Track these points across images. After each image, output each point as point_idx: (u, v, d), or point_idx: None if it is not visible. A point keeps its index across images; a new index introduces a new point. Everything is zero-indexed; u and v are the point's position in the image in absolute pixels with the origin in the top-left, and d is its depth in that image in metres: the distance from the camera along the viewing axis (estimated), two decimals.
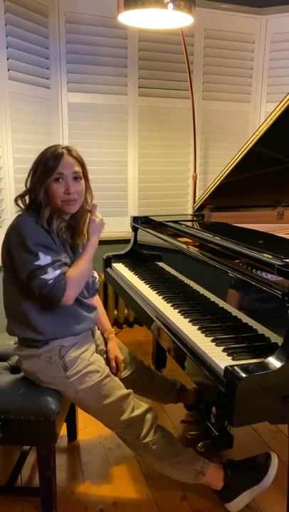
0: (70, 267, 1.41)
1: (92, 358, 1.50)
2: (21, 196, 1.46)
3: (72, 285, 1.36)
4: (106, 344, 1.72)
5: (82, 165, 1.46)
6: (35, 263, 1.32)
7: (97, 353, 1.58)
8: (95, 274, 1.68)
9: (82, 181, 1.45)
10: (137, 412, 1.49)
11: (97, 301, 1.73)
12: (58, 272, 1.34)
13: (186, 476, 1.53)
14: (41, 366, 1.45)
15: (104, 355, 1.67)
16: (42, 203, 1.40)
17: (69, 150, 1.43)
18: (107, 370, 1.52)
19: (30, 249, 1.33)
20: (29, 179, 1.43)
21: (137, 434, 1.48)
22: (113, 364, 1.67)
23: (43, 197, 1.40)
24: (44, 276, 1.32)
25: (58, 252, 1.38)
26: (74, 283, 1.37)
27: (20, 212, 1.45)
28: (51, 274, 1.33)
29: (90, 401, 1.48)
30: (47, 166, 1.39)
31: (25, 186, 1.45)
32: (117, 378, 1.55)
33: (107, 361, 1.66)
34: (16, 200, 1.46)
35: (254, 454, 1.65)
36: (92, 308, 1.58)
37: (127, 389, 1.53)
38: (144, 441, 1.48)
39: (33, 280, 1.33)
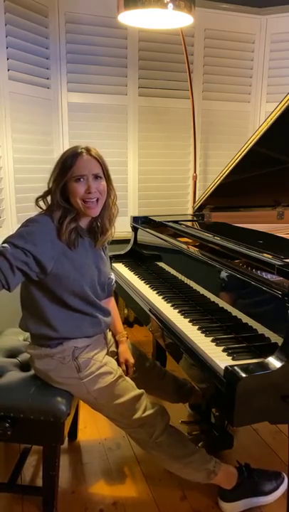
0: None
1: (104, 360, 1.50)
2: (42, 197, 1.44)
3: None
4: (117, 346, 1.71)
5: (102, 164, 1.44)
6: (10, 239, 1.30)
7: (107, 354, 1.58)
8: (112, 276, 1.67)
9: (104, 181, 1.44)
10: (149, 412, 1.49)
11: (113, 305, 1.73)
12: (11, 251, 1.27)
13: (199, 476, 1.53)
14: (54, 366, 1.45)
15: (115, 357, 1.66)
16: (55, 203, 1.39)
17: (88, 150, 1.41)
18: (119, 371, 1.53)
19: (19, 233, 1.31)
20: (50, 179, 1.42)
21: (149, 434, 1.48)
22: (123, 368, 1.66)
23: (59, 197, 1.39)
24: (4, 245, 1.29)
25: (25, 253, 1.30)
26: None
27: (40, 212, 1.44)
28: (6, 251, 1.27)
29: (102, 401, 1.48)
30: (65, 166, 1.38)
31: (48, 186, 1.43)
32: (129, 379, 1.55)
33: (118, 364, 1.65)
34: (36, 201, 1.44)
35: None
36: (107, 313, 1.58)
37: (138, 388, 1.53)
38: (156, 441, 1.48)
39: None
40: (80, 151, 1.40)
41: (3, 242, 1.31)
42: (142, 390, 1.53)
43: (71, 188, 1.39)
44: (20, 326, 1.50)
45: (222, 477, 1.54)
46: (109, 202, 1.50)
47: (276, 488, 1.61)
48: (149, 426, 1.49)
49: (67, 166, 1.38)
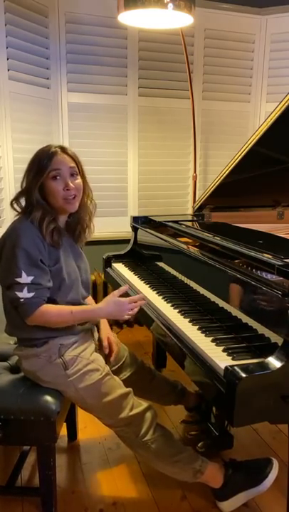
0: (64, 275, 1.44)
1: (91, 357, 1.50)
2: (16, 199, 1.46)
3: (41, 318, 1.39)
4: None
5: (77, 162, 1.47)
6: (15, 279, 1.35)
7: (96, 352, 1.58)
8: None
9: (79, 177, 1.47)
10: (136, 411, 1.49)
11: (90, 299, 1.71)
12: (31, 294, 1.36)
13: (185, 475, 1.53)
14: (41, 365, 1.45)
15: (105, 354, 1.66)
16: (35, 204, 1.41)
17: (63, 148, 1.45)
18: (107, 368, 1.52)
19: (17, 264, 1.35)
20: (24, 180, 1.44)
21: (136, 433, 1.48)
22: (105, 343, 1.65)
23: (38, 197, 1.41)
24: (18, 293, 1.36)
25: (43, 270, 1.38)
26: (44, 318, 1.39)
27: (17, 216, 1.46)
28: (24, 294, 1.36)
29: (90, 399, 1.48)
30: (41, 165, 1.40)
31: (21, 187, 1.46)
32: (116, 377, 1.55)
33: (105, 358, 1.64)
34: (11, 204, 1.46)
35: (254, 454, 1.64)
36: None
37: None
38: (143, 440, 1.48)
39: (9, 291, 1.38)
40: (54, 150, 1.43)
41: (8, 288, 1.38)
42: (129, 389, 1.52)
43: (50, 187, 1.42)
44: (6, 331, 1.51)
45: (209, 476, 1.53)
46: (85, 198, 1.53)
47: (266, 476, 1.57)
48: (136, 425, 1.48)
49: (44, 165, 1.40)
